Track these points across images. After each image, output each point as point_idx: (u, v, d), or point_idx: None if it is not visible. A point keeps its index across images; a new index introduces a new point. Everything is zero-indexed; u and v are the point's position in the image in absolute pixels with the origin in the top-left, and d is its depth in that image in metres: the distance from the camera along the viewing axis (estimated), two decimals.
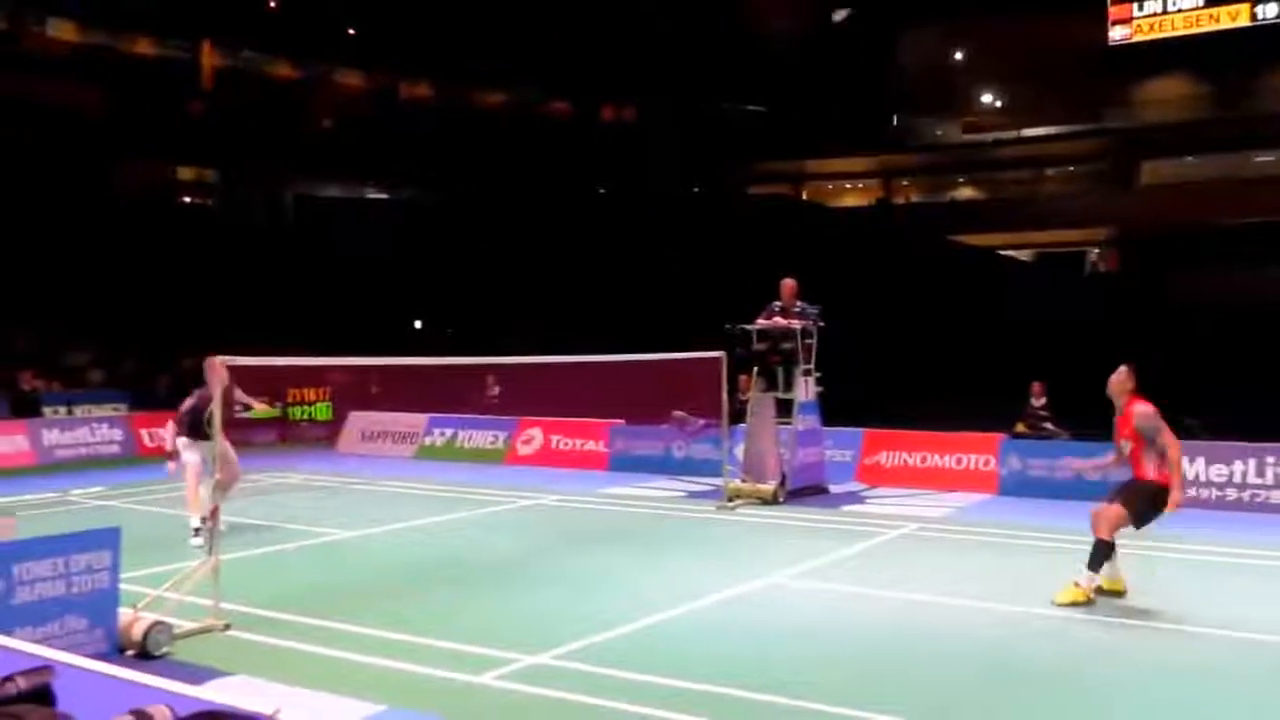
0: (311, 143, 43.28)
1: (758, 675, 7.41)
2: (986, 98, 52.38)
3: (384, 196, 46.78)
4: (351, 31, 46.06)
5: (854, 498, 15.72)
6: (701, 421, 17.04)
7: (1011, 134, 49.21)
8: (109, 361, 25.27)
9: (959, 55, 52.02)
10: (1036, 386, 18.82)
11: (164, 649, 7.85)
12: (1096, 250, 48.52)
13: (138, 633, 7.78)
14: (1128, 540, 9.68)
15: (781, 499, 14.94)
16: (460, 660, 7.76)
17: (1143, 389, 9.47)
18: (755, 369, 15.65)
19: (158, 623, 7.91)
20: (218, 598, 8.61)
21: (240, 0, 42.63)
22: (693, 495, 16.06)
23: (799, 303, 15.52)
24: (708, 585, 10.04)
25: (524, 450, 19.99)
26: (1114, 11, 46.98)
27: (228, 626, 8.49)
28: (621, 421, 19.34)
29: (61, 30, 38.61)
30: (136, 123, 37.70)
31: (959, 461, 16.58)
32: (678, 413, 17.65)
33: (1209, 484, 14.42)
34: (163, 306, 28.05)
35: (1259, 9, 44.19)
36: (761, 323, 15.47)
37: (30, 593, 7.28)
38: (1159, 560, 10.55)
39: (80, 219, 31.41)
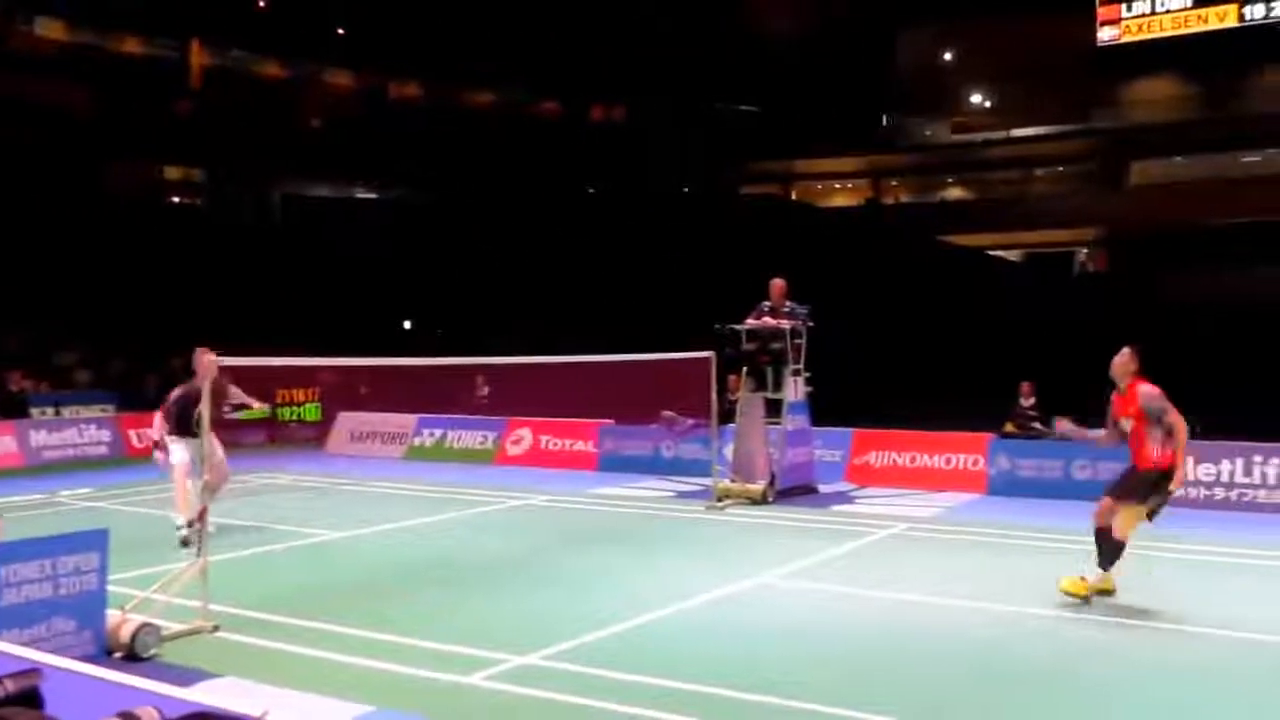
0: (300, 142, 43.18)
1: (747, 675, 7.41)
2: (976, 98, 52.48)
3: (373, 196, 46.71)
4: (340, 31, 45.96)
5: (843, 498, 15.73)
6: (690, 421, 17.04)
7: (1001, 134, 49.32)
8: (97, 362, 25.18)
9: (948, 56, 52.10)
10: (1025, 386, 18.84)
11: (152, 651, 7.82)
12: (1085, 250, 48.68)
13: (126, 634, 7.75)
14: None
15: (770, 499, 14.95)
16: (449, 661, 7.75)
17: None
18: (744, 369, 15.67)
19: (146, 624, 7.88)
20: (206, 599, 8.59)
21: None
22: (682, 495, 16.06)
23: (788, 303, 15.54)
24: (697, 585, 10.04)
25: (513, 450, 19.98)
26: (1102, 12, 47.10)
27: (216, 628, 8.47)
28: (611, 421, 19.34)
29: (49, 29, 38.48)
30: (124, 122, 37.60)
31: (948, 461, 16.60)
32: (667, 413, 17.65)
33: (1198, 483, 14.45)
34: (151, 307, 27.95)
35: (1246, 10, 44.34)
36: (751, 323, 15.49)
37: (18, 595, 7.25)
38: (1154, 560, 10.53)
39: (68, 218, 31.29)
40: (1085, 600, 9.19)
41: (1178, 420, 9.17)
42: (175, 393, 12.27)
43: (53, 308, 26.43)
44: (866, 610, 9.37)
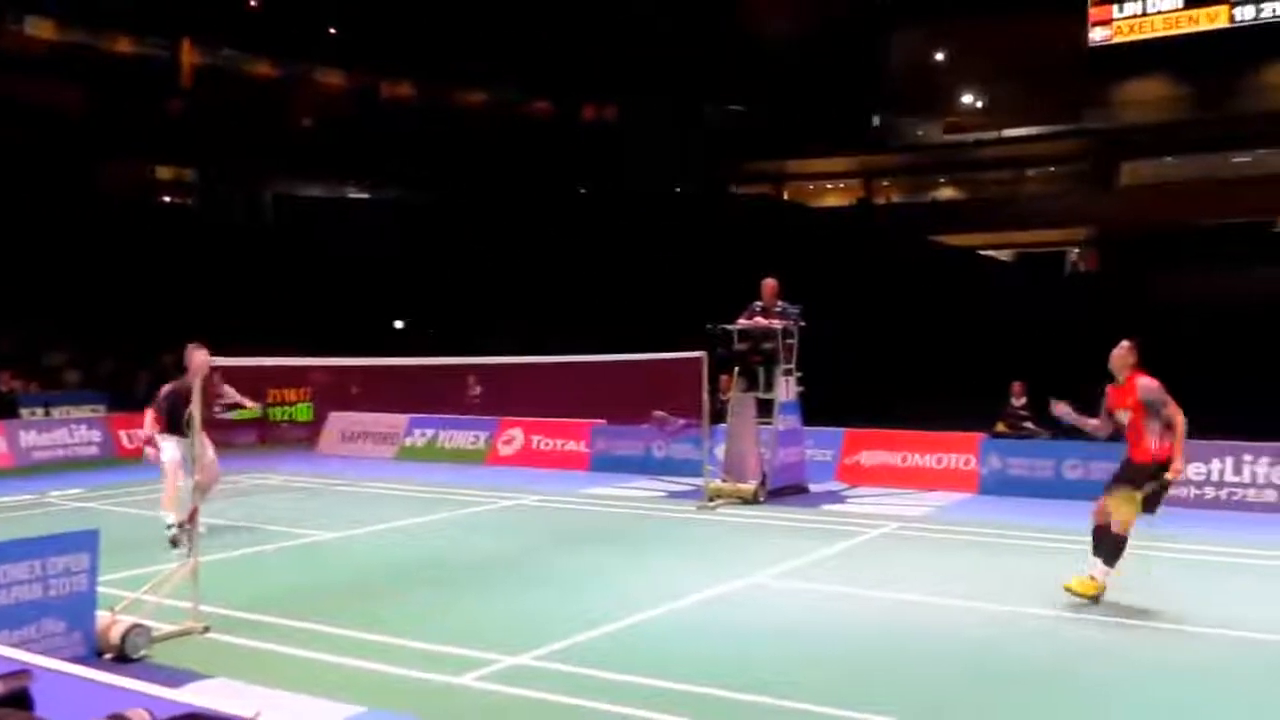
0: (292, 142, 43.13)
1: (740, 675, 7.41)
2: (967, 98, 52.53)
3: (364, 196, 46.65)
4: (332, 30, 45.92)
5: (834, 497, 15.75)
6: (682, 421, 17.03)
7: (992, 134, 49.37)
8: (87, 362, 25.11)
9: (940, 56, 52.15)
10: (1017, 386, 18.88)
11: (142, 652, 7.79)
12: (1077, 250, 48.77)
13: (116, 636, 7.72)
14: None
15: (762, 499, 14.96)
16: (440, 661, 7.74)
17: None
18: (736, 369, 15.67)
19: (136, 625, 7.86)
20: (197, 600, 8.56)
21: None
22: (674, 495, 16.06)
23: (780, 302, 15.55)
24: (689, 585, 10.04)
25: (505, 451, 19.96)
26: (1094, 13, 47.20)
27: (207, 629, 8.45)
28: (602, 422, 19.33)
29: (40, 28, 38.41)
30: (116, 121, 37.51)
31: (939, 461, 16.63)
32: (658, 413, 17.63)
33: (1187, 482, 14.45)
34: (142, 307, 27.88)
35: (1237, 11, 44.48)
36: (742, 323, 15.49)
37: (7, 596, 7.23)
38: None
39: (58, 218, 31.20)
40: (1094, 600, 9.18)
41: (1176, 413, 9.22)
42: (165, 389, 12.20)
43: (43, 307, 26.35)
44: (859, 610, 9.37)
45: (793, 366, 15.58)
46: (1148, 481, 9.20)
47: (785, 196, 53.85)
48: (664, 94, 48.86)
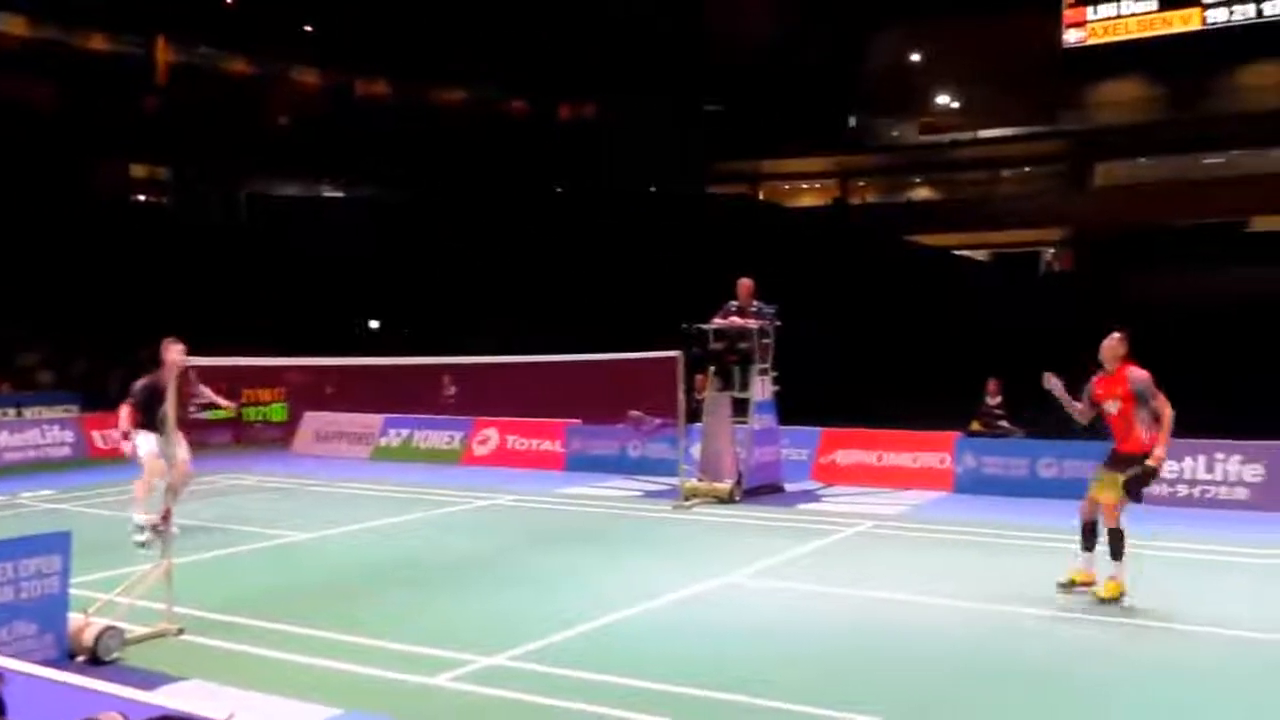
0: (267, 140, 42.90)
1: (716, 674, 7.42)
2: (943, 99, 52.75)
3: (340, 195, 46.50)
4: (308, 28, 45.70)
5: (810, 496, 15.78)
6: (657, 421, 17.04)
7: (968, 135, 49.64)
8: (60, 363, 24.95)
9: (916, 57, 52.34)
10: (992, 385, 18.96)
11: (115, 654, 7.75)
12: (1051, 250, 49.05)
13: (89, 638, 7.68)
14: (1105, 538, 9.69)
15: (737, 498, 14.98)
16: (416, 662, 7.73)
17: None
18: (712, 368, 15.69)
19: (109, 628, 7.81)
20: (170, 602, 8.52)
21: None
22: (649, 495, 16.07)
23: (755, 302, 15.59)
24: (664, 584, 10.05)
25: (480, 450, 19.93)
26: (1069, 15, 47.49)
27: (181, 631, 8.41)
28: (578, 421, 19.32)
29: (11, 25, 38.08)
30: (90, 119, 37.24)
31: (914, 460, 16.67)
32: (634, 412, 17.63)
33: (1160, 480, 14.52)
34: (115, 307, 27.71)
35: (1209, 13, 44.82)
36: (718, 322, 15.52)
37: None
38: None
39: (32, 218, 30.96)
40: (1119, 599, 9.20)
41: (1165, 405, 9.31)
42: (140, 383, 12.05)
43: (15, 308, 26.15)
44: (834, 608, 9.40)
45: (768, 366, 15.62)
46: (1139, 477, 9.27)
47: (761, 196, 53.96)
48: (641, 93, 48.88)
